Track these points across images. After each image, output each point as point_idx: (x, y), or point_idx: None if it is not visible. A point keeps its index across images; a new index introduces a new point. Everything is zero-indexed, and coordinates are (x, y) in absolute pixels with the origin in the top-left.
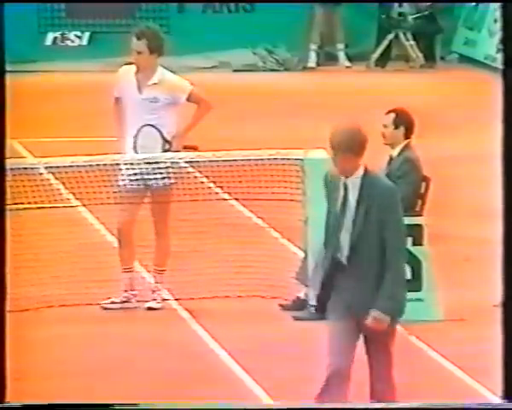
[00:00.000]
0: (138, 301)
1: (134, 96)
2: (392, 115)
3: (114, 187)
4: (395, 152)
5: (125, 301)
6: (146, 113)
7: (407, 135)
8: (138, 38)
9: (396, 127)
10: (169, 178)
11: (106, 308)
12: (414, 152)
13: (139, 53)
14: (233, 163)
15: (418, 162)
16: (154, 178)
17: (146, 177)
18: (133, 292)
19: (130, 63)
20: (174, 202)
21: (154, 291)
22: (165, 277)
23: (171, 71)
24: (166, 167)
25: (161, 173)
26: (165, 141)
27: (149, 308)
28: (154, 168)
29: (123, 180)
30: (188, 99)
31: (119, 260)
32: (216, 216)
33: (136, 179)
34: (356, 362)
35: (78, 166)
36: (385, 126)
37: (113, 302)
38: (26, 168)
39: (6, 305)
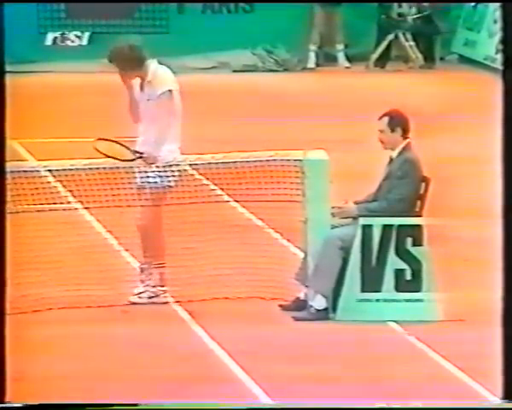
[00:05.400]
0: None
1: (138, 94)
2: (386, 119)
3: (120, 188)
4: (395, 153)
5: (152, 297)
6: (145, 111)
7: (404, 136)
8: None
9: (392, 130)
10: (166, 178)
11: (133, 303)
12: (413, 152)
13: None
14: (232, 165)
15: (418, 163)
16: (156, 179)
17: (151, 177)
18: (162, 288)
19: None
20: (174, 204)
21: (154, 286)
22: (165, 277)
23: (173, 72)
24: (169, 169)
25: (161, 175)
26: (136, 152)
27: (152, 302)
28: (154, 170)
29: (139, 179)
30: (160, 96)
31: (143, 256)
32: (215, 218)
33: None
34: (355, 361)
35: (77, 168)
36: (381, 132)
37: (140, 297)
38: (25, 171)
39: (6, 306)
